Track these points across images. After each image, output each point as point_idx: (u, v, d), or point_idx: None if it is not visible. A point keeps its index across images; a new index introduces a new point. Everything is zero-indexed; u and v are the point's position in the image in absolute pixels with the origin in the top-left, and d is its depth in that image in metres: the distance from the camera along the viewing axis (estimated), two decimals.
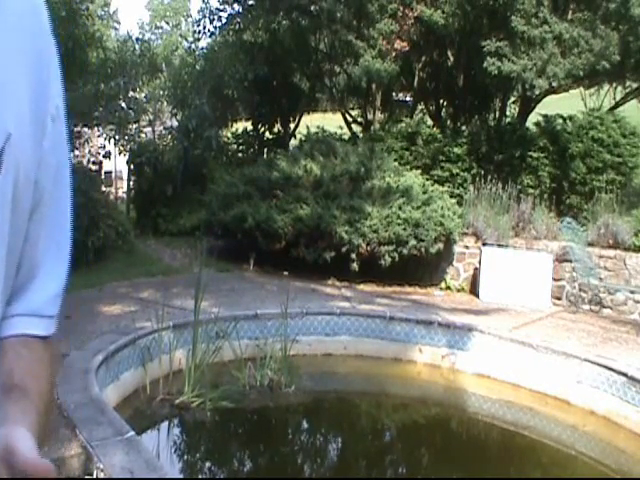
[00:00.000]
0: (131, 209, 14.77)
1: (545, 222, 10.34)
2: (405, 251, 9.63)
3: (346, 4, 12.88)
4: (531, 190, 12.14)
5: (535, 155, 12.51)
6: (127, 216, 13.96)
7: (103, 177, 15.69)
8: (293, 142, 15.63)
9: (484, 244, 10.12)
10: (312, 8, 13.27)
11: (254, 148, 15.84)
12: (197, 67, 15.86)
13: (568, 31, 10.75)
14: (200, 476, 5.23)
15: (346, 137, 14.34)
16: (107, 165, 16.64)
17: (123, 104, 13.24)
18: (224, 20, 15.35)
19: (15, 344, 0.81)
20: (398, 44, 12.63)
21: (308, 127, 14.01)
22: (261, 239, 10.12)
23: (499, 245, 10.02)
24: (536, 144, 12.64)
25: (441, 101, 15.51)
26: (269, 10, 13.80)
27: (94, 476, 3.47)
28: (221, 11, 15.37)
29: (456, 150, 12.75)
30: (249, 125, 16.17)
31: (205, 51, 16.60)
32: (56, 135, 0.82)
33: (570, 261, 9.57)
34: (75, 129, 12.31)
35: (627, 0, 10.43)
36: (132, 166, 14.42)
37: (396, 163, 11.73)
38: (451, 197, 11.03)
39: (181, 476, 5.03)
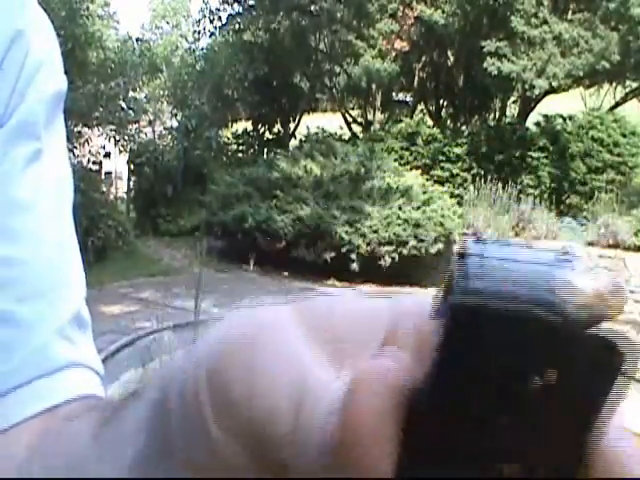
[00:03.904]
0: (131, 209, 14.76)
1: (545, 222, 10.34)
2: (405, 251, 9.63)
3: (346, 4, 12.89)
4: (531, 190, 12.14)
5: (535, 155, 12.51)
6: (127, 216, 13.94)
7: (103, 177, 15.70)
8: (293, 142, 15.62)
9: None
10: (312, 8, 13.28)
11: (254, 148, 15.83)
12: (197, 67, 15.86)
13: (568, 31, 10.75)
14: None
15: (346, 137, 14.34)
16: (107, 165, 16.64)
17: (123, 104, 13.25)
18: (224, 20, 15.38)
19: None
20: (398, 44, 12.65)
21: (308, 127, 14.02)
22: (261, 239, 10.12)
23: None
24: (536, 144, 12.64)
25: (441, 101, 15.51)
26: (269, 10, 13.82)
27: None
28: (221, 11, 15.40)
29: (456, 150, 12.74)
30: (249, 125, 16.16)
31: (205, 51, 16.60)
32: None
33: None
34: (75, 129, 12.31)
35: (627, 0, 10.44)
36: (132, 166, 14.42)
37: (396, 163, 11.73)
38: (451, 197, 11.02)
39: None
